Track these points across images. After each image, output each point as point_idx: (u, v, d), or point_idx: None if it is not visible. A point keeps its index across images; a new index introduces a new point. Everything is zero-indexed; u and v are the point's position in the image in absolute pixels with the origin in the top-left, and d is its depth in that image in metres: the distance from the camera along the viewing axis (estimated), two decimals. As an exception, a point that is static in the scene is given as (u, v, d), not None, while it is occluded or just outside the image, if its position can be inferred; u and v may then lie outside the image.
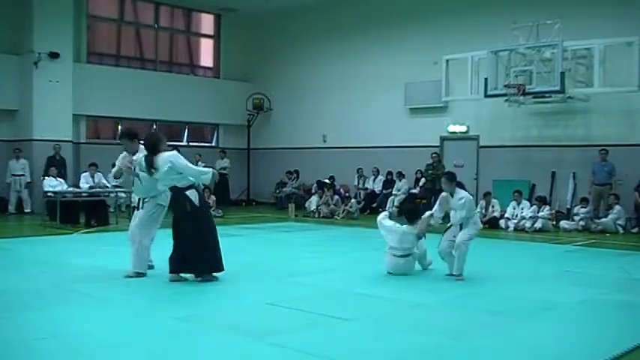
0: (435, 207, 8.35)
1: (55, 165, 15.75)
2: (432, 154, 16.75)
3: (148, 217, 7.74)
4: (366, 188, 19.02)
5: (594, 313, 6.42)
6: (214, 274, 7.45)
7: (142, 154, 7.73)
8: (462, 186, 8.24)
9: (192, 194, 7.29)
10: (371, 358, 4.86)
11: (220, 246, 7.47)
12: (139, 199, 7.92)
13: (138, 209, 7.88)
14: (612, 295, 7.27)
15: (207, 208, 7.81)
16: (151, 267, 7.97)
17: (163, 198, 7.74)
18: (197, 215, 7.32)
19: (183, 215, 7.33)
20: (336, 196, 17.70)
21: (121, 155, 8.16)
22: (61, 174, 15.62)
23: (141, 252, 7.70)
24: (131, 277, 7.60)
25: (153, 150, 7.40)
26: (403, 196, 18.00)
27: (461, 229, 7.99)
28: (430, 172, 16.38)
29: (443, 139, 17.83)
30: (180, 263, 7.35)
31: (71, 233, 12.46)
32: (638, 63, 13.51)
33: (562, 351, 5.10)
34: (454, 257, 7.94)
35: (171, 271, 7.39)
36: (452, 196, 8.12)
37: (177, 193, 7.34)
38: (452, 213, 8.13)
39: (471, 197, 8.19)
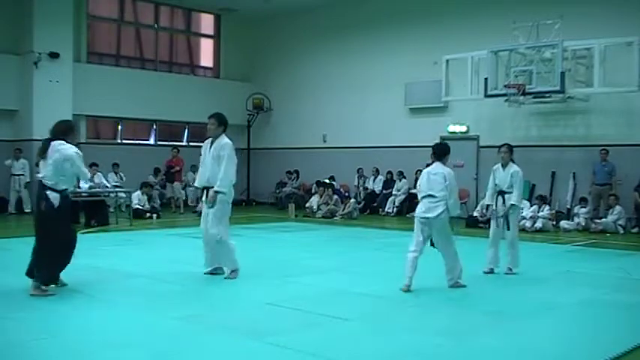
0: (488, 192, 8.64)
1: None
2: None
3: (219, 214, 7.62)
4: (366, 188, 19.03)
5: (594, 313, 6.41)
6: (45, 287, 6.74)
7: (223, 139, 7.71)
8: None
9: (53, 196, 6.70)
10: (371, 358, 4.86)
11: (62, 261, 6.87)
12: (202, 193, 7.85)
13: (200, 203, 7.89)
14: (612, 295, 7.28)
15: (66, 217, 6.91)
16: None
17: (229, 194, 7.68)
18: (49, 219, 6.72)
19: (38, 215, 6.85)
20: (336, 196, 17.71)
21: None
22: None
23: (231, 250, 7.72)
24: (232, 277, 7.64)
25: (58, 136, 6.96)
26: (403, 196, 18.04)
27: (507, 219, 8.29)
28: (430, 172, 16.38)
29: (443, 139, 17.78)
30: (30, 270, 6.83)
31: (71, 233, 12.43)
32: (638, 63, 13.51)
33: (562, 351, 5.10)
34: (497, 250, 8.36)
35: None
36: (504, 168, 8.39)
37: (40, 190, 6.79)
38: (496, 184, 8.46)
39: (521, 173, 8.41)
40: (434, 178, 7.32)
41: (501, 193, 8.42)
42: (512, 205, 8.31)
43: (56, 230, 6.74)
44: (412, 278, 7.22)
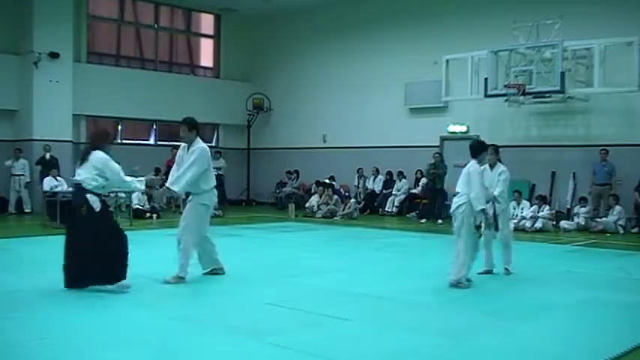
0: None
1: (45, 166, 15.68)
2: (435, 154, 16.70)
3: (193, 219, 7.56)
4: (367, 188, 19.00)
5: (594, 313, 6.42)
6: (119, 283, 6.82)
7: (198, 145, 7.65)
8: None
9: (93, 200, 6.75)
10: (371, 358, 4.86)
11: (123, 255, 6.86)
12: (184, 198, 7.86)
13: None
14: (612, 295, 7.27)
15: (108, 215, 7.08)
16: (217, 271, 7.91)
17: (207, 197, 7.62)
18: (94, 222, 6.76)
19: (80, 220, 6.78)
20: (336, 196, 17.71)
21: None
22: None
23: (186, 255, 7.49)
24: (171, 282, 7.34)
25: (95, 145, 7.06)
26: (403, 196, 18.04)
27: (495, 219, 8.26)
28: (432, 171, 16.30)
29: (443, 139, 17.81)
30: (75, 279, 6.75)
31: (71, 233, 12.43)
32: (638, 63, 13.51)
33: (562, 351, 5.10)
34: (490, 252, 8.34)
35: (67, 286, 6.77)
36: (491, 168, 8.41)
37: (79, 193, 6.82)
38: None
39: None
40: (461, 176, 7.68)
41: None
42: (495, 197, 8.24)
43: (106, 229, 6.83)
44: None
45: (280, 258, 9.82)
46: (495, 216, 8.31)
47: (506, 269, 8.37)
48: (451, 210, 7.70)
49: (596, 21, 14.63)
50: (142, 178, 7.30)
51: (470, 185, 7.43)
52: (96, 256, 6.68)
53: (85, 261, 6.69)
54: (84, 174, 6.81)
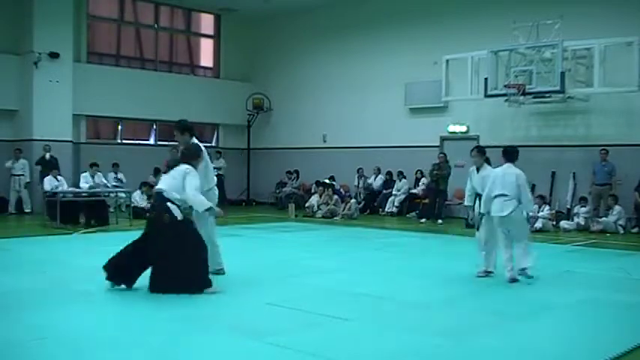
0: (466, 194, 8.72)
1: (45, 166, 15.67)
2: (439, 154, 16.64)
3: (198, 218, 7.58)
4: (369, 186, 18.92)
5: (594, 313, 6.42)
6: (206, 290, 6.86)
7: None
8: None
9: (174, 208, 6.82)
10: (371, 358, 4.86)
11: (205, 264, 6.99)
12: None
13: None
14: (612, 295, 7.27)
15: (191, 225, 7.05)
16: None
17: (206, 197, 7.55)
18: (178, 229, 6.82)
19: (160, 227, 6.84)
20: (336, 196, 17.71)
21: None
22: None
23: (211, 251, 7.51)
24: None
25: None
26: (403, 196, 18.03)
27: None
28: (435, 172, 16.25)
29: (443, 139, 17.82)
30: (167, 283, 6.79)
31: (71, 233, 12.45)
32: (638, 63, 13.51)
33: (562, 351, 5.10)
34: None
35: (155, 291, 6.82)
36: (478, 171, 8.35)
37: (160, 201, 6.91)
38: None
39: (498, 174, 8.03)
40: (507, 179, 7.76)
41: (479, 196, 8.25)
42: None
43: (190, 237, 6.88)
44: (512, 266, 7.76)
45: (280, 258, 9.82)
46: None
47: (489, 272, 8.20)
48: (499, 214, 7.70)
49: (596, 21, 14.63)
50: (209, 204, 7.11)
51: (520, 189, 7.72)
52: (181, 263, 6.75)
53: (171, 268, 6.76)
54: (166, 183, 6.95)
